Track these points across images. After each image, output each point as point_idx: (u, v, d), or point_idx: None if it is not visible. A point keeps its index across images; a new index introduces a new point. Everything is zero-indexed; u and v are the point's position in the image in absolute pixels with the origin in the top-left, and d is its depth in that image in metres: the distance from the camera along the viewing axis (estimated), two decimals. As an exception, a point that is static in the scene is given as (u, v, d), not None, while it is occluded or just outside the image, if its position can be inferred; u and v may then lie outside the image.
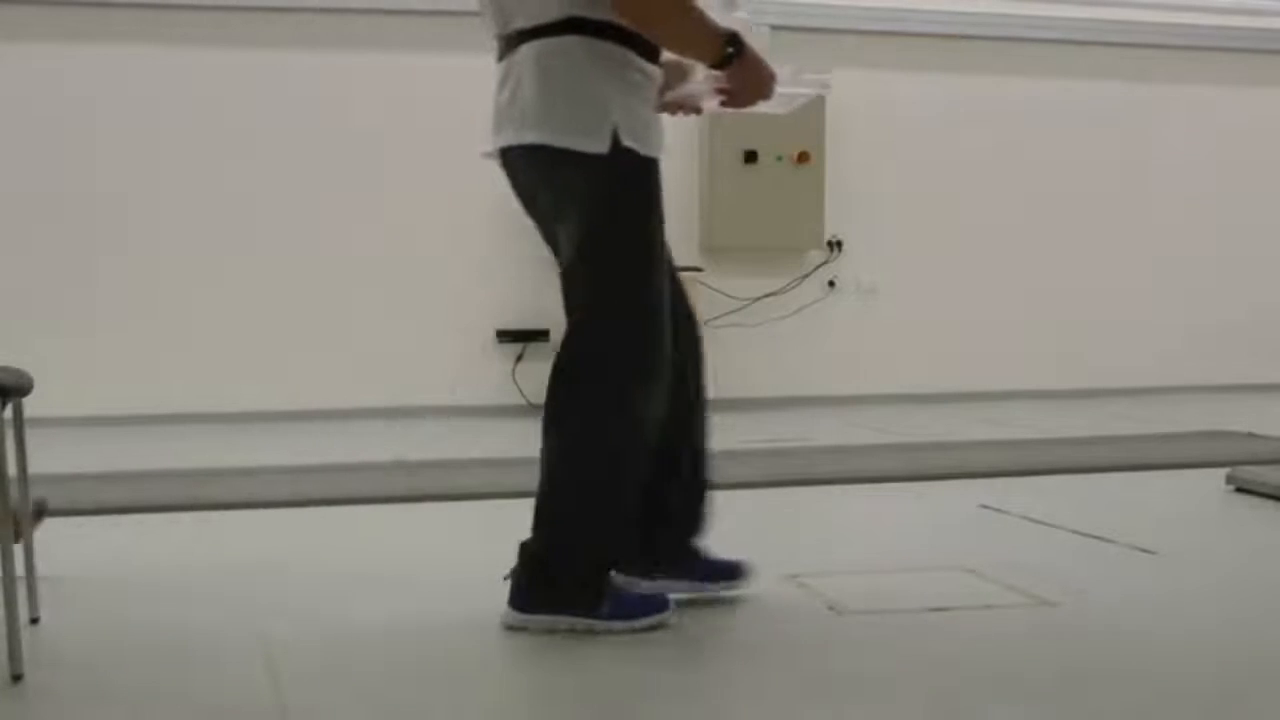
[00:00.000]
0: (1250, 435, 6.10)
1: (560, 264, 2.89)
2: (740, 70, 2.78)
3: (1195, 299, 8.45)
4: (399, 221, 7.29)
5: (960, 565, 3.42)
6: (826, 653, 2.77)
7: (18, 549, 2.70)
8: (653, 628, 2.84)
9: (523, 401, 7.48)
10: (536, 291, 7.50)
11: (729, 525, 3.80)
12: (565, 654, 2.77)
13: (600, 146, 2.73)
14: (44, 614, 2.94)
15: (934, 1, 7.92)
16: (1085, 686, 2.47)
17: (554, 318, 8.29)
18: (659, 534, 3.01)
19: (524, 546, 2.86)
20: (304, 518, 4.28)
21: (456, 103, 7.44)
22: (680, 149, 7.34)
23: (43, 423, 3.60)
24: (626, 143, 2.75)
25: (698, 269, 7.34)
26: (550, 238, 2.98)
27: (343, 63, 7.28)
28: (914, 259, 7.96)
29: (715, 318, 7.56)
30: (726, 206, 7.53)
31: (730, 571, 3.07)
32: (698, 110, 3.11)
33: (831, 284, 7.94)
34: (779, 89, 2.88)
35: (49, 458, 3.72)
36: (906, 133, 7.90)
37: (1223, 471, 4.68)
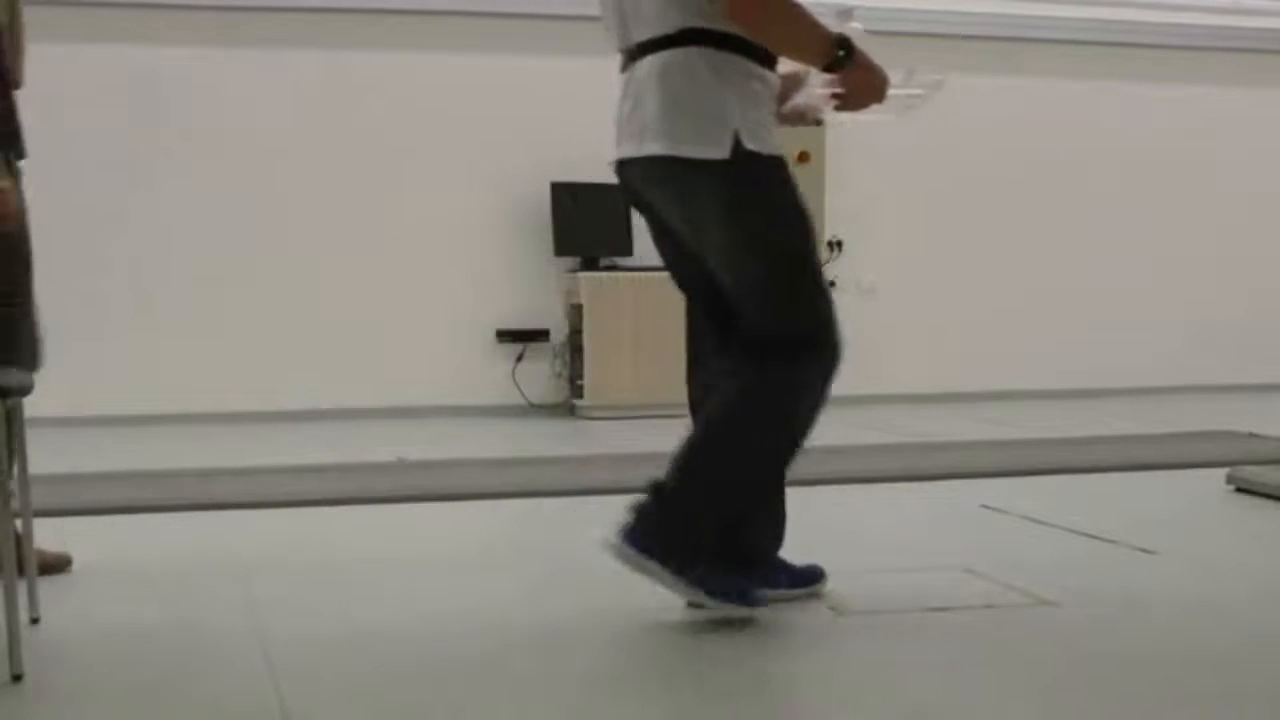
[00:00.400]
0: (1250, 435, 6.10)
1: (716, 272, 2.91)
2: (853, 73, 2.83)
3: (1195, 299, 8.45)
4: (399, 222, 7.29)
5: (960, 565, 3.42)
6: (826, 653, 2.77)
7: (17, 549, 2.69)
8: (742, 615, 2.90)
9: (523, 401, 7.48)
10: (536, 291, 7.51)
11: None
12: (564, 652, 2.77)
13: (722, 152, 2.77)
14: (44, 614, 2.94)
15: (933, 2, 7.92)
16: (1085, 686, 2.47)
17: (554, 318, 8.30)
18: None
19: (658, 489, 2.88)
20: (304, 518, 4.28)
21: (457, 103, 7.47)
22: (680, 149, 7.35)
23: (43, 423, 3.60)
24: (749, 146, 2.79)
25: (698, 269, 7.33)
26: (673, 248, 3.01)
27: (342, 62, 7.28)
28: (914, 259, 7.95)
29: (715, 318, 7.55)
30: None
31: (811, 576, 3.14)
32: (817, 121, 3.14)
33: (832, 284, 7.89)
34: (892, 92, 2.93)
35: (49, 458, 3.71)
36: (906, 133, 7.88)
37: (1223, 471, 4.68)
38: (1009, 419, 6.93)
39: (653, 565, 2.84)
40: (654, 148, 2.82)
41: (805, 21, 2.79)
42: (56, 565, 3.48)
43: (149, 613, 3.06)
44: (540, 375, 7.58)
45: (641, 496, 2.90)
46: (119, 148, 6.98)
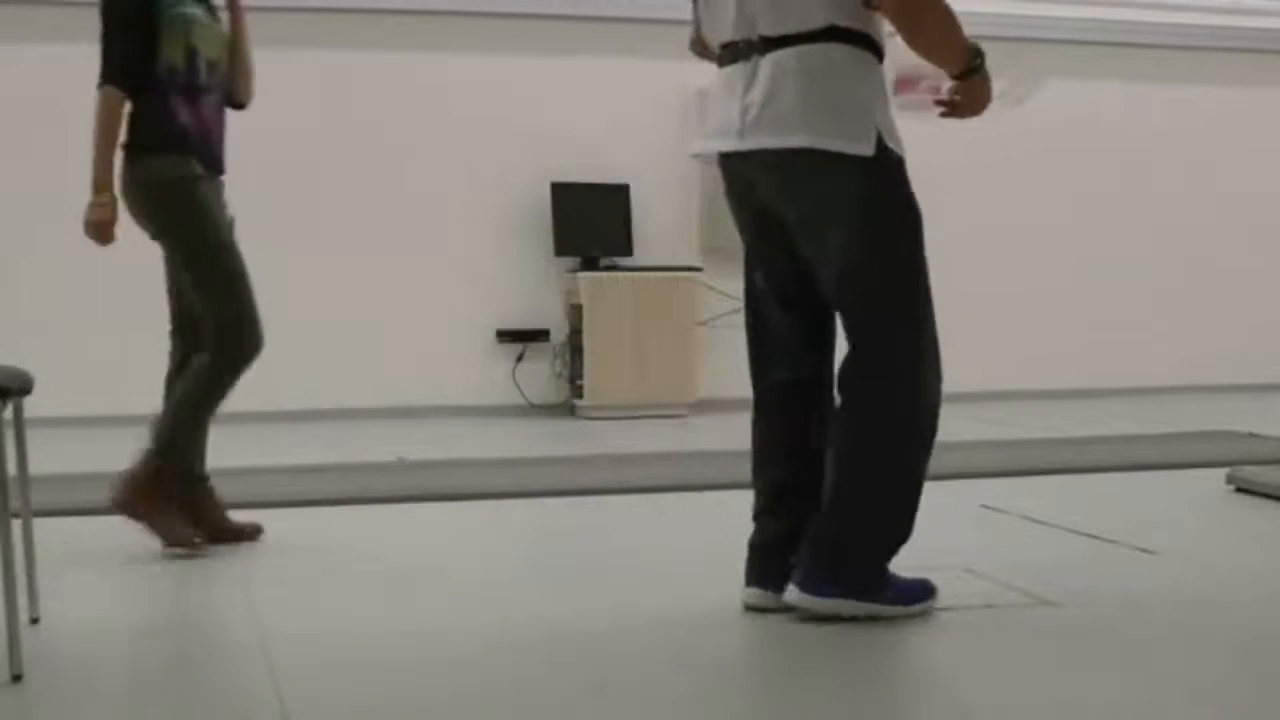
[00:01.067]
0: (1250, 435, 6.10)
1: (816, 268, 2.93)
2: (979, 83, 2.88)
3: (1195, 299, 8.44)
4: (399, 222, 7.29)
5: (960, 565, 3.42)
6: (826, 653, 2.77)
7: (17, 548, 2.69)
8: (925, 613, 2.92)
9: (523, 401, 7.48)
10: (536, 291, 7.50)
11: (730, 526, 3.80)
12: (564, 653, 2.77)
13: (867, 149, 2.81)
14: (44, 614, 2.94)
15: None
16: (1085, 686, 2.47)
17: (554, 318, 8.28)
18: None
19: (817, 529, 2.89)
20: (304, 518, 4.28)
21: (457, 103, 7.47)
22: (681, 149, 7.34)
23: (43, 423, 3.60)
24: (889, 144, 2.84)
25: (698, 269, 7.34)
26: (769, 244, 3.01)
27: (342, 62, 7.28)
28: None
29: (715, 318, 7.55)
30: (727, 207, 7.51)
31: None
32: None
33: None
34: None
35: (49, 458, 3.71)
36: (905, 133, 7.88)
37: (1223, 471, 4.68)
38: (1009, 419, 6.93)
39: (847, 604, 2.87)
40: (794, 140, 2.81)
41: (957, 27, 2.84)
42: (247, 534, 3.73)
43: (149, 613, 3.07)
44: (540, 375, 7.58)
45: (773, 545, 2.98)
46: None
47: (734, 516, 3.90)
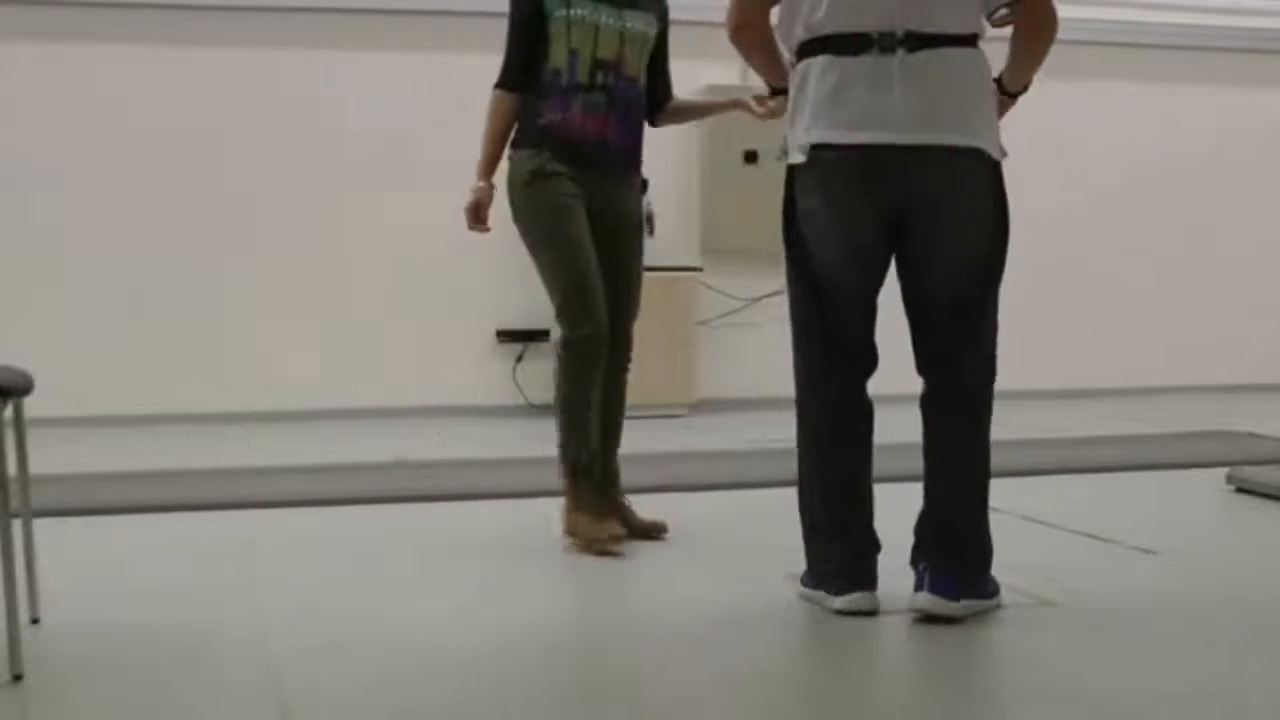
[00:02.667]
0: (1250, 435, 6.10)
1: (936, 265, 2.97)
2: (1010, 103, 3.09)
3: (1195, 299, 8.45)
4: (399, 222, 7.29)
5: (960, 565, 3.41)
6: (827, 653, 2.77)
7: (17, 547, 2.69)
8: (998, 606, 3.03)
9: (523, 401, 7.48)
10: (537, 291, 7.44)
11: (730, 526, 3.81)
12: (563, 653, 2.77)
13: (1001, 154, 2.96)
14: (44, 614, 2.94)
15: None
16: (1085, 686, 2.47)
17: (554, 318, 8.27)
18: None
19: (948, 538, 2.95)
20: (304, 517, 4.28)
21: (458, 103, 7.46)
22: (680, 149, 7.34)
23: (43, 423, 3.60)
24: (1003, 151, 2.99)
25: (698, 269, 7.34)
26: (880, 241, 2.97)
27: (343, 62, 7.28)
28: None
29: (715, 318, 7.56)
30: (726, 206, 7.52)
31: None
32: None
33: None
34: None
35: (49, 458, 3.71)
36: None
37: (1223, 471, 4.68)
38: (1009, 419, 6.90)
39: (981, 604, 2.96)
40: (964, 140, 2.88)
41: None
42: (653, 531, 3.78)
43: (149, 613, 3.06)
44: (540, 375, 7.56)
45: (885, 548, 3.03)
46: (120, 148, 6.98)
47: (734, 516, 3.91)
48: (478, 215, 3.85)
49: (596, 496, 3.78)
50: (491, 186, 3.84)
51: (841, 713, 2.41)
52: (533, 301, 7.58)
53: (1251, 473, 4.57)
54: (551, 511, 4.47)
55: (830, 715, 2.42)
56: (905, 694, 2.56)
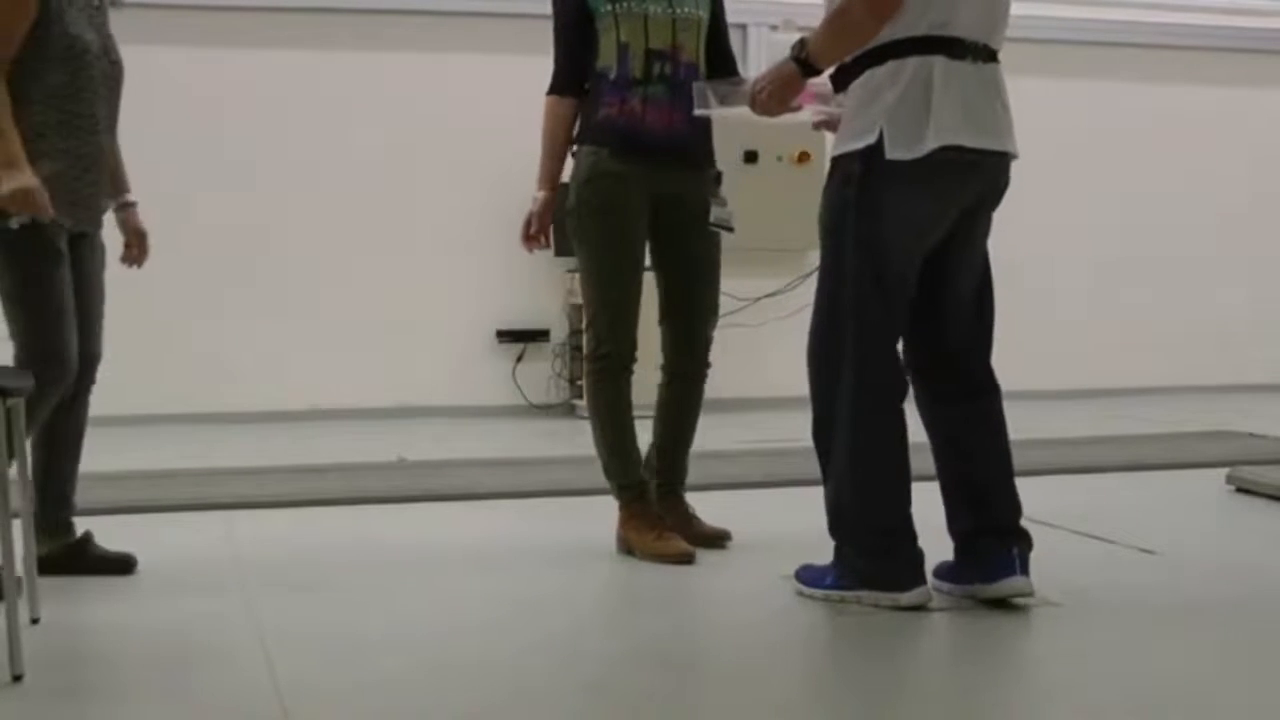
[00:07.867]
0: (1250, 435, 6.10)
1: (968, 258, 3.17)
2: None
3: (1195, 299, 8.44)
4: (399, 222, 7.29)
5: (960, 565, 3.41)
6: (827, 652, 2.77)
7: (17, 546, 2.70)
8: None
9: (523, 401, 7.48)
10: (536, 291, 7.50)
11: (730, 526, 3.81)
12: (563, 654, 2.78)
13: None
14: (44, 614, 2.94)
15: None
16: (1086, 686, 2.47)
17: (554, 318, 8.25)
18: None
19: (1021, 526, 3.11)
20: (305, 517, 4.29)
21: (457, 103, 7.47)
22: (680, 149, 7.34)
23: (43, 423, 3.59)
24: None
25: (698, 269, 7.33)
26: (936, 238, 3.08)
27: (342, 63, 7.28)
28: (914, 259, 7.93)
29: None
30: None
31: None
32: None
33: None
34: None
35: (49, 458, 3.72)
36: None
37: (1223, 471, 4.68)
38: (1010, 419, 6.91)
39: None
40: (1013, 146, 3.07)
41: None
42: (716, 540, 3.68)
43: (149, 613, 3.06)
44: (540, 375, 7.58)
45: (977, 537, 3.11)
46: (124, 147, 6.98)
47: (734, 515, 3.90)
48: (528, 228, 3.71)
49: (646, 514, 3.63)
50: (550, 197, 3.69)
51: (841, 713, 2.41)
52: (533, 301, 7.61)
53: (1251, 473, 4.57)
54: (552, 510, 4.48)
55: (830, 715, 2.42)
56: (905, 693, 2.56)
